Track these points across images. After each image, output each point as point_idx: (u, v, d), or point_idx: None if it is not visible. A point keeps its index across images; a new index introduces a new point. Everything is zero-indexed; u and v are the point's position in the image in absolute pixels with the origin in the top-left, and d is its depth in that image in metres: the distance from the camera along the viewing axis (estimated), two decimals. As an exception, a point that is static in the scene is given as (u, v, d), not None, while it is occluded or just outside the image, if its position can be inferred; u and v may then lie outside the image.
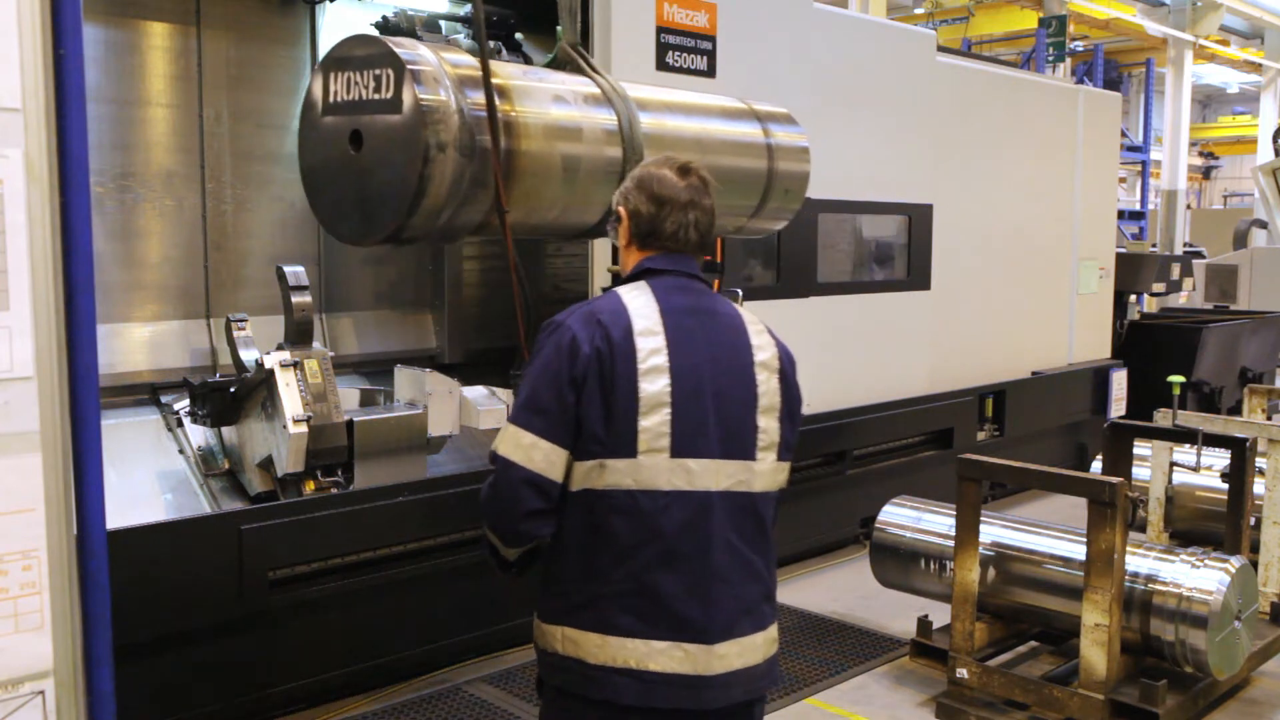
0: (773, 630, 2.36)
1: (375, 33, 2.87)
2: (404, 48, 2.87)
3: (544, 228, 2.97)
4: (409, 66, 2.76)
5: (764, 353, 2.37)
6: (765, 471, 2.33)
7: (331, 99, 3.01)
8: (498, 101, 2.83)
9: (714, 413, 2.26)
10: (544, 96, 2.98)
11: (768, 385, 2.34)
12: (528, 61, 5.41)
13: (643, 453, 2.19)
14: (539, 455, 2.18)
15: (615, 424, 2.18)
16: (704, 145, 3.39)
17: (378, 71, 2.84)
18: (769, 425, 2.33)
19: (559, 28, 3.47)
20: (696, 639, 2.20)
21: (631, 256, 2.42)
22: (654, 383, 2.19)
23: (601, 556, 2.21)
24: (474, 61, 2.90)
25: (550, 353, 2.22)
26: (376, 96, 2.84)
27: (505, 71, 3.03)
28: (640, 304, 2.27)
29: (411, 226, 2.81)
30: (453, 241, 3.20)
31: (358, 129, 2.91)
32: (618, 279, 4.60)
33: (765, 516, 2.34)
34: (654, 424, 2.19)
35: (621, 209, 2.40)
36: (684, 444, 2.21)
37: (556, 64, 3.41)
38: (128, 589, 3.29)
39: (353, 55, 2.97)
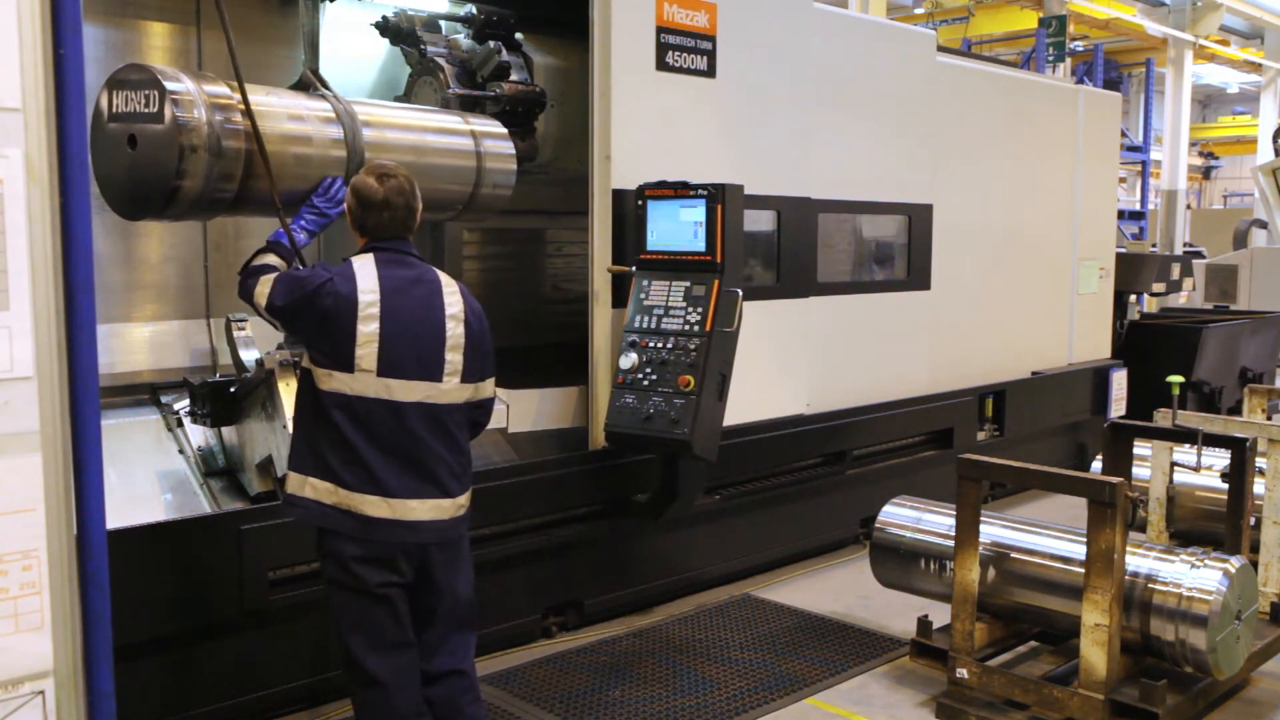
0: (461, 498, 3.34)
1: (147, 66, 3.82)
2: (168, 78, 3.69)
3: (292, 198, 3.94)
4: (170, 94, 3.65)
5: (454, 308, 3.34)
6: (449, 390, 3.30)
7: (114, 111, 3.78)
8: (242, 120, 3.82)
9: (412, 348, 3.23)
10: (281, 116, 3.95)
11: (454, 331, 3.32)
12: (528, 60, 5.45)
13: (358, 371, 3.17)
14: (263, 294, 3.32)
15: (338, 349, 3.17)
16: (419, 150, 4.44)
17: (148, 92, 3.69)
18: (455, 359, 3.31)
19: (303, 58, 4.52)
20: (392, 496, 3.18)
21: (360, 238, 3.39)
22: (368, 325, 3.17)
23: (331, 435, 3.19)
24: (227, 90, 3.82)
25: (318, 279, 3.22)
26: (147, 110, 3.68)
27: (255, 99, 3.88)
28: (365, 271, 3.25)
29: (176, 205, 3.73)
30: (211, 217, 4.16)
31: (133, 134, 3.72)
32: (616, 277, 4.86)
33: (449, 420, 3.31)
34: (366, 353, 3.17)
35: (345, 206, 3.44)
36: (386, 368, 3.18)
37: (300, 86, 4.35)
38: (128, 589, 3.29)
39: (130, 79, 3.76)
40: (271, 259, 3.58)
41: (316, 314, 3.20)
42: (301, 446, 3.27)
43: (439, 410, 3.28)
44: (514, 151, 4.80)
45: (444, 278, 3.41)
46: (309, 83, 4.37)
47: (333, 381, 3.18)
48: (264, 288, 3.34)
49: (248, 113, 3.76)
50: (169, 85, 3.68)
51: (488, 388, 3.48)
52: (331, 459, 3.18)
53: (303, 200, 3.96)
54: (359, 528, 3.17)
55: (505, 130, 4.83)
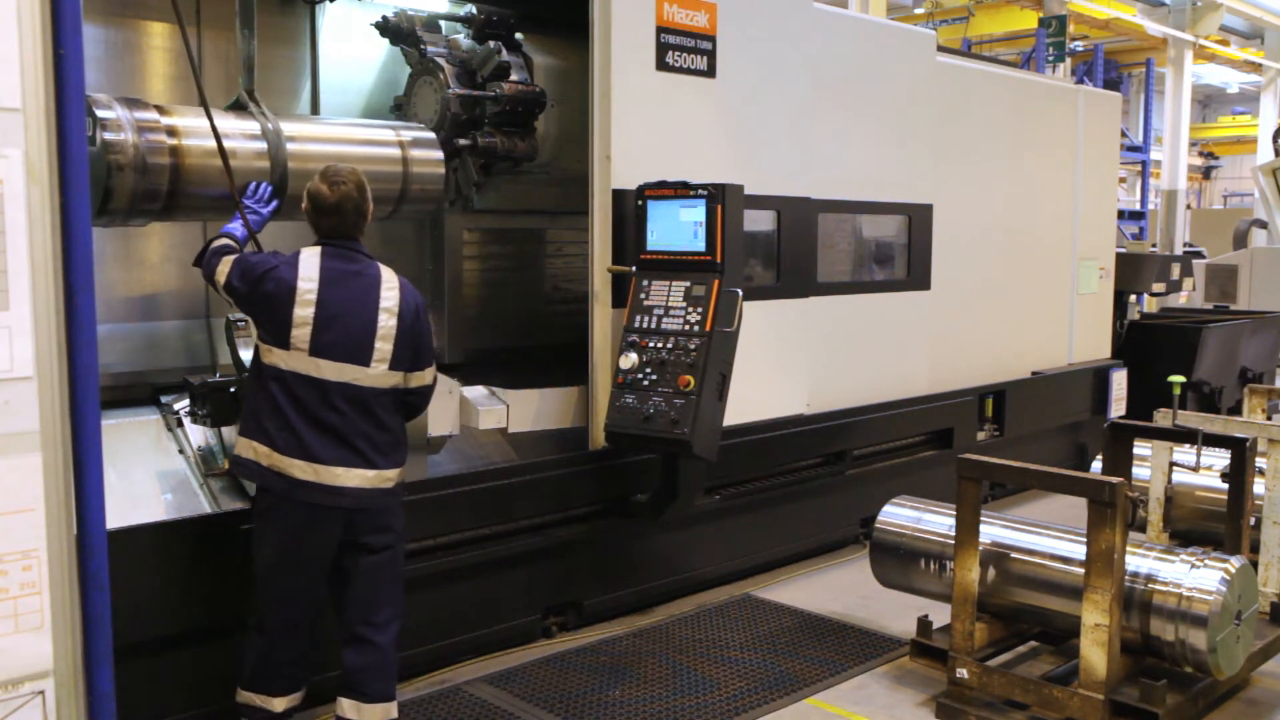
0: (388, 472, 3.68)
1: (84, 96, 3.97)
2: (100, 105, 4.03)
3: (225, 199, 4.27)
4: (100, 117, 4.00)
5: (389, 302, 3.69)
6: (375, 375, 3.65)
7: None
8: (167, 139, 4.19)
9: (343, 334, 3.59)
10: (206, 134, 4.13)
11: (386, 323, 3.67)
12: (528, 60, 5.45)
13: (292, 349, 3.56)
14: (223, 274, 3.70)
15: (277, 328, 3.56)
16: (340, 160, 4.58)
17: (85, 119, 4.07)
18: (384, 347, 3.66)
19: (241, 78, 4.70)
20: (318, 462, 3.55)
21: (315, 234, 3.76)
22: (304, 309, 3.56)
23: (269, 404, 3.58)
24: (156, 115, 4.19)
25: (266, 265, 3.63)
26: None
27: (185, 122, 4.27)
28: (310, 262, 3.64)
29: (109, 214, 4.13)
30: (142, 224, 4.46)
31: None
32: (616, 277, 4.88)
33: (374, 403, 3.66)
34: (300, 334, 3.55)
35: (302, 208, 3.79)
36: (317, 349, 3.56)
37: (238, 106, 4.63)
38: (128, 589, 3.29)
39: None
40: (227, 241, 3.92)
41: (261, 295, 3.59)
42: (248, 413, 3.67)
43: (364, 392, 3.63)
44: (441, 156, 5.08)
45: (387, 274, 3.77)
46: (244, 103, 4.62)
47: (272, 356, 3.59)
48: (224, 268, 3.72)
49: (214, 132, 3.98)
50: (100, 112, 4.00)
51: (424, 376, 3.83)
52: (269, 425, 3.57)
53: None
54: (287, 489, 3.55)
55: (435, 138, 5.11)
